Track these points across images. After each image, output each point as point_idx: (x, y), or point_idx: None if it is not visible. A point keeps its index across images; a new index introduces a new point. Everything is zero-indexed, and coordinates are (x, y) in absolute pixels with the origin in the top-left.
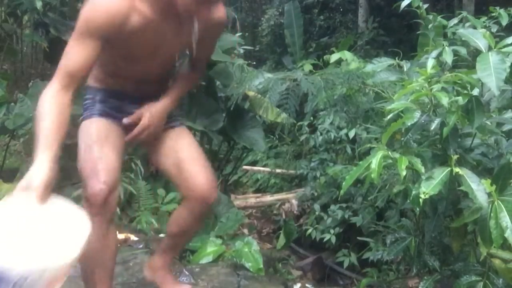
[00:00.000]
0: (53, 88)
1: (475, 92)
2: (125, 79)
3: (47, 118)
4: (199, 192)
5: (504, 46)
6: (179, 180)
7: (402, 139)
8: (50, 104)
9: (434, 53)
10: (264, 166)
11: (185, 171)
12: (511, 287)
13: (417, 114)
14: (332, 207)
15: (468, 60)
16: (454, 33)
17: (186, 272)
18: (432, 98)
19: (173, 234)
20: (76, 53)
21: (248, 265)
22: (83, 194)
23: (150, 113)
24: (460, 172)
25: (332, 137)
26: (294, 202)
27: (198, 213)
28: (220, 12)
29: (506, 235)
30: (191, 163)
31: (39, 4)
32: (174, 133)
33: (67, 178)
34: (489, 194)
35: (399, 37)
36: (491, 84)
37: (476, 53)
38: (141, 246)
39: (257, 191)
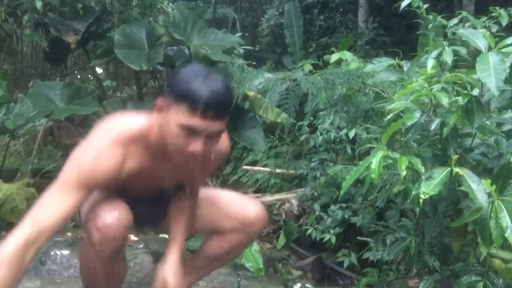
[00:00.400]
0: (17, 240)
1: (475, 92)
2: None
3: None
4: (254, 217)
5: (504, 46)
6: (230, 223)
7: (402, 139)
8: (7, 265)
9: (434, 53)
10: (264, 166)
11: (232, 212)
12: (511, 287)
13: (417, 114)
14: (332, 207)
15: (468, 60)
16: (454, 33)
17: None
18: (432, 98)
19: (205, 255)
20: (56, 205)
21: (248, 265)
22: (92, 226)
23: (172, 278)
24: (460, 172)
25: (332, 137)
26: (294, 202)
27: (250, 234)
28: (224, 145)
29: (506, 235)
30: (231, 203)
31: (39, 4)
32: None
33: None
34: (489, 194)
35: (399, 37)
36: (490, 84)
37: (476, 53)
38: (141, 246)
39: (257, 191)
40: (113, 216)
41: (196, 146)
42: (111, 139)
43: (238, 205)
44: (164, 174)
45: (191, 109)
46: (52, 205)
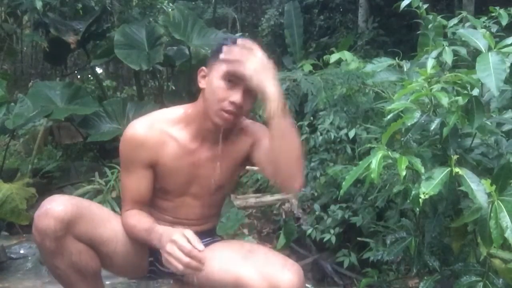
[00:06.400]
0: (127, 213)
1: (475, 92)
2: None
3: (142, 220)
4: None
5: (504, 46)
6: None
7: (402, 139)
8: (136, 216)
9: (434, 53)
10: None
11: (263, 270)
12: (511, 287)
13: (417, 114)
14: (332, 207)
15: (468, 60)
16: (454, 33)
17: None
18: (432, 98)
19: None
20: (132, 184)
21: None
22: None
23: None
24: (460, 172)
25: (332, 137)
26: (294, 202)
27: None
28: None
29: (506, 235)
30: (264, 260)
31: (39, 4)
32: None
33: (66, 179)
34: (489, 194)
35: (399, 37)
36: (490, 84)
37: (476, 53)
38: None
39: (257, 191)
40: (42, 208)
41: (237, 95)
42: (151, 120)
43: (273, 265)
44: (202, 166)
45: (230, 57)
46: (131, 185)
